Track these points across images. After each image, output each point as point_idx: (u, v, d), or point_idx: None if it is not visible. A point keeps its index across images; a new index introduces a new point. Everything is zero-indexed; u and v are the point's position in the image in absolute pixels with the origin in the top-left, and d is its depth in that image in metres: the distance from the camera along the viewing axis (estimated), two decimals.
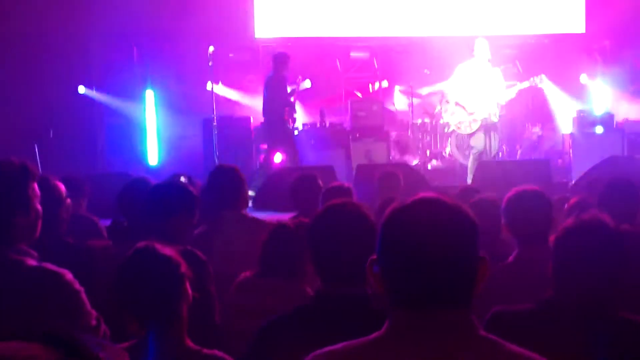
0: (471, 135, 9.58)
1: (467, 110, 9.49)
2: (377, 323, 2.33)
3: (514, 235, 3.63)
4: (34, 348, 1.03)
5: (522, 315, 2.52)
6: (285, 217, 5.93)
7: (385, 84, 12.50)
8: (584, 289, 2.44)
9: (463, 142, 10.13)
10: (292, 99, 10.27)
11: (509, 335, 1.71)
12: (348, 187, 5.36)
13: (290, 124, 10.22)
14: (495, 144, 9.58)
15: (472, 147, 9.65)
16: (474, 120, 9.46)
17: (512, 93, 9.58)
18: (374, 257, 1.70)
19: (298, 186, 5.68)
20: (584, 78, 12.41)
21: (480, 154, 9.49)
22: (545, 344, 2.03)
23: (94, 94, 11.13)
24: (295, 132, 10.70)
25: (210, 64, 9.57)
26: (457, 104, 9.58)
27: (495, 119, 9.52)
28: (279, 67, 10.12)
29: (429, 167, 11.29)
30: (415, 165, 10.85)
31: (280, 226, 3.55)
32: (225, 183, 4.70)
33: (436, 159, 11.41)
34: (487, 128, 9.51)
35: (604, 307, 2.45)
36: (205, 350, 2.54)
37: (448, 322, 1.62)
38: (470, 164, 9.58)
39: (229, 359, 2.55)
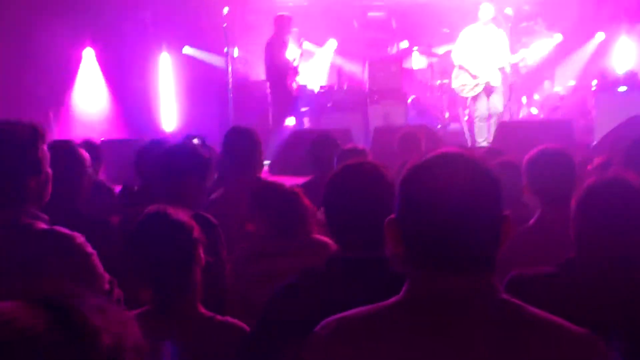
0: (474, 98, 9.67)
1: (470, 74, 9.59)
2: (397, 287, 2.26)
3: (535, 196, 3.54)
4: (18, 310, 0.95)
5: (542, 278, 2.45)
6: (302, 180, 5.91)
7: (404, 44, 12.31)
8: (607, 250, 2.36)
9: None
10: (295, 63, 10.10)
11: (529, 299, 1.62)
12: (363, 149, 5.29)
13: (294, 88, 10.06)
14: (499, 106, 9.64)
15: (475, 110, 9.75)
16: (477, 85, 9.57)
17: (516, 58, 9.82)
18: (393, 216, 1.60)
19: (317, 148, 5.60)
20: (605, 36, 12.17)
21: (485, 117, 9.63)
22: (566, 306, 1.95)
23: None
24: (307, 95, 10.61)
25: (224, 25, 9.41)
26: (460, 67, 9.69)
27: (497, 83, 9.61)
28: (280, 29, 9.94)
29: (449, 129, 11.14)
30: (436, 127, 10.70)
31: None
32: (240, 144, 4.60)
33: (455, 121, 11.25)
34: (489, 91, 9.59)
35: (628, 268, 2.37)
36: (219, 317, 2.49)
37: (469, 286, 1.53)
38: (476, 126, 9.77)
39: (241, 326, 2.50)
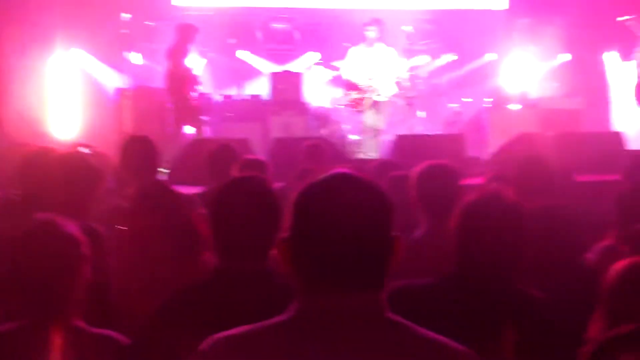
0: (363, 113, 9.93)
1: (357, 89, 9.85)
2: (281, 299, 2.28)
3: (423, 210, 3.62)
4: None
5: (423, 289, 2.51)
6: (198, 190, 5.86)
7: (309, 56, 12.38)
8: (484, 263, 2.45)
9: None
10: (197, 73, 9.99)
11: (409, 311, 1.67)
12: (262, 161, 5.29)
13: (194, 97, 9.94)
14: (382, 121, 9.91)
15: (363, 124, 10.04)
16: (365, 99, 9.83)
17: (405, 74, 10.16)
18: (285, 235, 1.62)
19: (214, 158, 5.57)
20: (497, 56, 12.61)
21: (372, 131, 9.90)
22: (445, 318, 2.01)
23: None
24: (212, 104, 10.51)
25: (124, 31, 9.24)
26: (349, 83, 9.94)
27: (385, 99, 9.87)
28: (183, 38, 9.80)
29: (348, 140, 11.26)
30: (335, 139, 10.80)
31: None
32: (136, 154, 4.59)
33: (355, 132, 11.37)
34: (376, 107, 9.87)
35: (503, 280, 2.46)
36: (95, 330, 2.42)
37: (356, 306, 1.56)
38: (364, 140, 10.01)
39: (118, 338, 2.45)
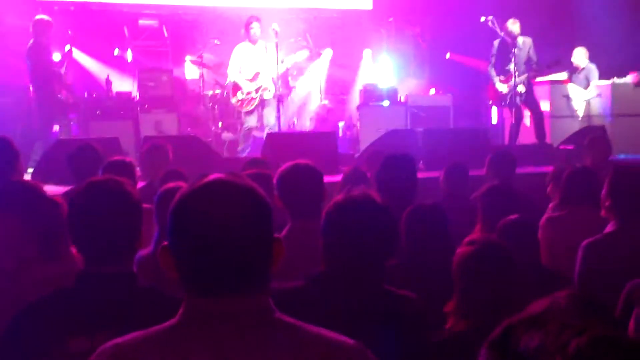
0: (247, 112, 10.02)
1: (243, 90, 9.98)
2: (142, 301, 2.25)
3: (286, 208, 3.63)
4: None
5: (292, 292, 2.50)
6: (64, 190, 5.67)
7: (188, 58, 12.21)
8: (351, 264, 2.47)
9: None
10: (62, 70, 9.65)
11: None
12: (130, 162, 5.16)
13: (61, 94, 9.62)
14: (271, 119, 9.94)
15: (244, 123, 10.10)
16: (252, 99, 9.95)
17: (281, 69, 10.07)
18: (165, 243, 1.61)
19: (77, 157, 5.45)
20: (368, 53, 12.86)
21: (252, 129, 10.03)
22: (315, 320, 2.02)
23: None
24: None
25: None
26: (235, 84, 10.01)
27: (269, 96, 9.99)
28: (38, 34, 9.42)
29: (222, 138, 11.18)
30: (207, 136, 10.70)
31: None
32: None
33: (228, 130, 11.32)
34: (263, 105, 10.00)
35: (372, 281, 2.50)
36: None
37: (243, 309, 1.56)
38: (241, 138, 10.13)
39: None
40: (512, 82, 9.87)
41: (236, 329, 1.55)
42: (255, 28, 9.89)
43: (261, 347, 1.55)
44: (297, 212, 3.55)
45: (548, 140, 10.14)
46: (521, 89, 9.89)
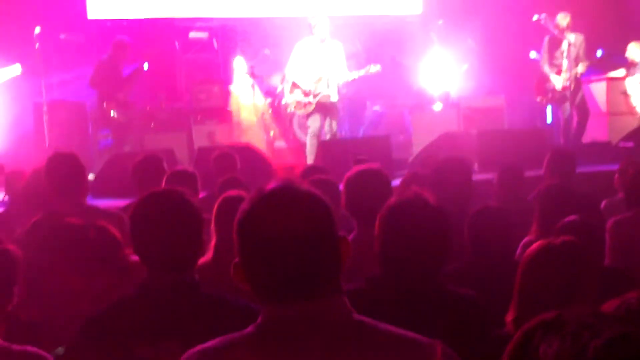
0: (308, 115, 9.38)
1: (303, 90, 9.28)
2: (207, 308, 2.27)
3: (352, 215, 3.61)
4: None
5: (352, 294, 2.49)
6: (126, 203, 5.74)
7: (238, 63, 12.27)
8: (407, 266, 2.46)
9: (304, 122, 10.06)
10: (128, 85, 9.86)
11: None
12: (192, 172, 5.20)
13: (125, 109, 9.79)
14: (333, 124, 9.42)
15: (308, 127, 9.47)
16: (309, 103, 9.28)
17: (350, 76, 9.38)
18: (237, 260, 1.64)
19: (141, 169, 5.46)
20: (421, 57, 12.77)
21: (317, 134, 9.31)
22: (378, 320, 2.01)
23: None
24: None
25: (37, 45, 8.97)
26: (294, 83, 9.37)
27: (334, 99, 9.30)
28: (116, 53, 9.68)
29: (274, 147, 11.23)
30: (261, 145, 10.73)
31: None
32: (63, 171, 4.54)
33: (281, 138, 11.36)
34: (324, 108, 9.28)
35: (430, 282, 2.48)
36: (15, 347, 2.37)
37: (320, 310, 1.59)
38: (308, 144, 9.39)
39: (42, 355, 2.40)
40: (565, 77, 9.66)
41: (316, 331, 1.57)
42: (321, 26, 9.18)
43: (343, 348, 1.57)
44: (364, 219, 3.51)
45: (605, 137, 9.95)
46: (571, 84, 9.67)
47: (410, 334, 1.67)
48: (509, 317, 2.69)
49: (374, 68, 9.36)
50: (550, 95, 9.99)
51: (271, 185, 1.64)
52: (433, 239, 2.47)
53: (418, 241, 2.45)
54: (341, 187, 3.76)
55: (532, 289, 2.63)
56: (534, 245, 2.72)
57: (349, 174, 3.74)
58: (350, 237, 3.55)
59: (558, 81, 9.78)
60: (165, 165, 5.48)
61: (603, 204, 5.11)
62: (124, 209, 5.39)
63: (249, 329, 1.62)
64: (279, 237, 1.56)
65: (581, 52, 9.80)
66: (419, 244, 2.45)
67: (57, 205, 4.36)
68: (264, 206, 1.60)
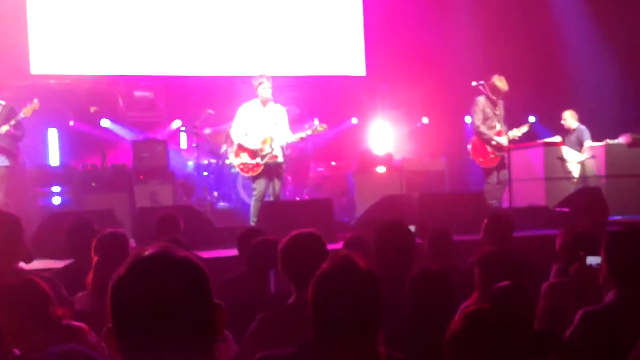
0: (254, 178, 9.25)
1: (250, 153, 9.19)
2: None
3: (290, 279, 3.60)
4: None
5: (283, 358, 2.49)
6: (60, 264, 5.63)
7: (176, 123, 12.30)
8: (339, 331, 2.45)
9: (248, 183, 10.01)
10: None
11: None
12: (122, 233, 5.12)
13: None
14: (277, 186, 9.28)
15: (253, 189, 9.35)
16: (257, 165, 9.16)
17: (295, 138, 9.30)
18: (110, 325, 1.63)
19: (72, 232, 5.44)
20: (357, 120, 12.97)
21: (262, 196, 9.21)
22: None
23: None
24: None
25: (4, 103, 8.84)
26: (240, 146, 9.25)
27: (279, 160, 9.25)
28: None
29: (217, 207, 11.16)
30: (202, 206, 10.67)
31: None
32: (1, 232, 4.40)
33: (224, 199, 11.32)
34: (270, 171, 9.20)
35: (361, 347, 2.46)
36: None
37: None
38: (252, 206, 9.27)
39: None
40: (505, 139, 9.80)
41: None
42: (265, 87, 9.12)
43: None
44: (301, 283, 3.50)
45: (543, 202, 10.14)
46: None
47: None
48: None
49: (321, 127, 9.37)
50: (489, 157, 10.00)
51: (147, 250, 1.65)
52: (364, 303, 2.47)
53: (348, 306, 2.44)
54: (278, 253, 3.75)
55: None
56: (460, 315, 2.77)
57: (284, 239, 3.74)
58: (290, 301, 3.55)
59: (503, 140, 9.83)
60: (95, 227, 5.43)
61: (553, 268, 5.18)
62: (60, 271, 5.31)
63: None
64: (150, 297, 1.57)
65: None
66: (350, 309, 2.44)
67: None
68: (137, 271, 1.61)
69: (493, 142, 9.87)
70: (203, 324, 1.63)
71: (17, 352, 2.33)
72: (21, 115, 9.04)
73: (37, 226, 8.13)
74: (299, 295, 3.49)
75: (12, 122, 8.98)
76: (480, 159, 10.02)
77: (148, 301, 1.57)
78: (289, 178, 11.78)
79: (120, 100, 11.91)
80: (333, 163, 12.75)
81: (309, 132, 9.36)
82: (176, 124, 12.09)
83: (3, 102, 9.01)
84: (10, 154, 9.07)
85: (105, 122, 11.98)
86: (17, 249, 4.49)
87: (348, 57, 13.22)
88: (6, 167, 9.06)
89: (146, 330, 1.57)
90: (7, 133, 9.00)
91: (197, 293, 1.63)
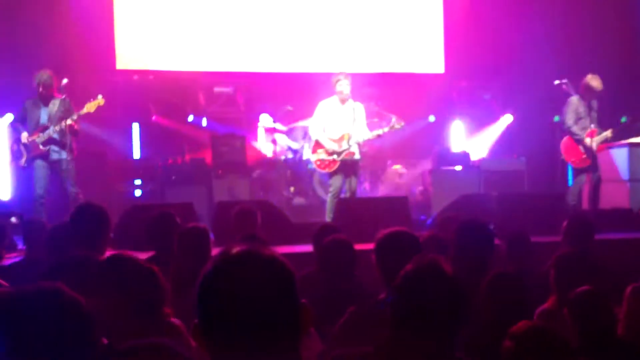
0: (331, 174, 9.26)
1: (327, 149, 9.19)
2: None
3: (383, 276, 3.62)
4: None
5: (359, 357, 2.49)
6: (142, 256, 5.75)
7: (264, 118, 12.39)
8: (419, 331, 2.44)
9: (324, 179, 10.04)
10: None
11: None
12: (204, 228, 5.21)
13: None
14: (353, 183, 9.26)
15: (330, 186, 9.37)
16: (333, 161, 9.17)
17: (372, 135, 9.27)
18: (196, 321, 1.65)
19: (154, 225, 5.51)
20: (434, 118, 12.85)
21: (338, 193, 9.18)
22: None
23: None
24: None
25: (63, 97, 9.07)
26: (317, 142, 9.27)
27: (356, 157, 9.24)
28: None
29: (293, 203, 11.25)
30: (279, 201, 10.77)
31: None
32: (89, 223, 4.56)
33: (300, 195, 11.39)
34: (346, 167, 9.18)
35: (441, 349, 2.44)
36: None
37: None
38: (328, 202, 9.26)
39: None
40: (597, 140, 9.52)
41: None
42: (343, 85, 9.10)
43: None
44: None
45: (627, 205, 9.84)
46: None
47: None
48: None
49: (398, 124, 9.34)
50: (582, 157, 9.69)
51: (234, 248, 1.66)
52: (447, 309, 2.45)
53: (430, 311, 2.43)
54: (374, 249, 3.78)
55: None
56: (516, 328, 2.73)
57: (380, 235, 3.77)
58: (381, 296, 3.56)
59: (593, 143, 9.56)
60: (178, 220, 5.51)
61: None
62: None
63: None
64: (237, 296, 1.59)
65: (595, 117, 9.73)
66: (431, 314, 2.43)
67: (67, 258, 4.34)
68: (225, 269, 1.63)
69: (580, 145, 9.62)
70: (289, 323, 1.64)
71: (105, 341, 2.40)
72: (84, 110, 8.88)
73: (118, 218, 8.34)
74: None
75: (74, 117, 8.85)
76: (573, 159, 9.77)
77: (236, 299, 1.59)
78: (366, 175, 11.78)
79: (200, 96, 12.10)
80: (410, 161, 12.68)
81: (386, 129, 9.33)
82: (264, 118, 12.07)
83: (63, 96, 9.05)
84: (69, 148, 8.99)
85: (190, 118, 12.21)
86: (103, 239, 4.61)
87: (427, 54, 13.11)
88: (68, 161, 9.01)
89: (233, 329, 1.59)
90: (69, 128, 8.86)
91: (284, 292, 1.64)
